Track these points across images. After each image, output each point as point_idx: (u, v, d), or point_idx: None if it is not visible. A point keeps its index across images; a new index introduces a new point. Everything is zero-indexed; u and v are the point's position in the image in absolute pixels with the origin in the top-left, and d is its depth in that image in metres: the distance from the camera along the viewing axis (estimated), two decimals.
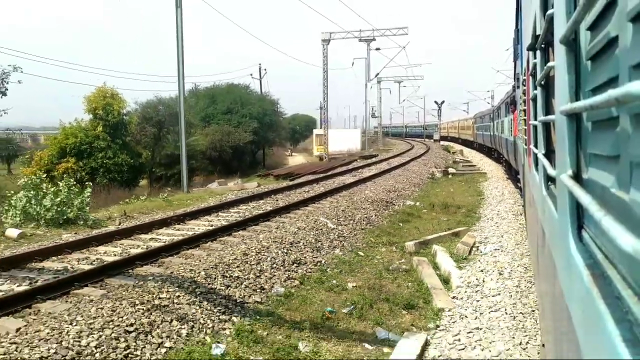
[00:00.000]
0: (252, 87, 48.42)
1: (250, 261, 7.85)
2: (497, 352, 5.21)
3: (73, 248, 8.30)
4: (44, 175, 12.86)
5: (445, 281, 7.94)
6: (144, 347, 5.08)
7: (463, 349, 5.47)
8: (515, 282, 7.34)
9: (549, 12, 2.06)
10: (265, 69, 50.07)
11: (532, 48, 3.31)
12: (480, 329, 5.91)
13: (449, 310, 6.66)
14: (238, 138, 39.05)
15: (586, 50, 1.43)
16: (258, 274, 7.50)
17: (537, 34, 2.88)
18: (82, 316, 5.37)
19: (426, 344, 5.63)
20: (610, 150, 1.15)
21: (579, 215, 1.49)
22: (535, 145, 3.45)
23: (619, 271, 1.04)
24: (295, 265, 8.26)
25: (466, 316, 6.37)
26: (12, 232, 10.27)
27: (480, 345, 5.47)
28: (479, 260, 8.83)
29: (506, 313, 6.24)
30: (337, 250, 9.64)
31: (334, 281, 7.89)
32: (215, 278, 7.01)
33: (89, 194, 12.22)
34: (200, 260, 7.69)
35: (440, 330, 6.10)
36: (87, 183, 13.22)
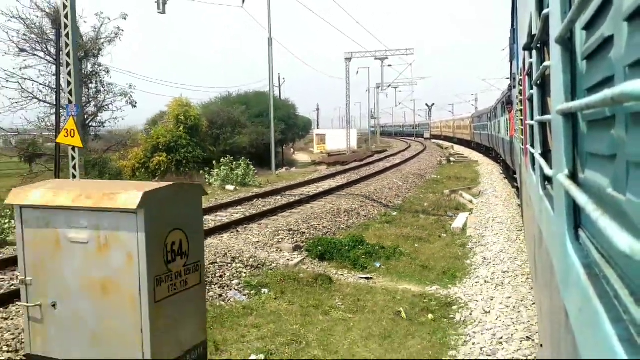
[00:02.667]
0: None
1: (379, 193, 16.81)
2: (498, 212, 14.22)
3: (291, 189, 17.17)
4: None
5: (470, 202, 16.97)
6: (366, 210, 13.99)
7: (485, 214, 14.43)
8: (503, 199, 16.46)
9: (545, 11, 2.08)
10: (284, 78, 58.72)
11: (528, 48, 3.33)
12: (490, 210, 14.93)
13: (474, 209, 15.67)
14: (270, 137, 47.77)
15: (582, 50, 1.42)
16: (385, 197, 16.46)
17: (533, 33, 2.90)
18: (338, 203, 14.23)
19: (469, 215, 14.64)
20: (606, 150, 1.16)
21: (576, 215, 1.51)
22: (532, 145, 3.48)
23: (616, 271, 1.04)
24: (397, 196, 17.24)
25: (482, 209, 15.38)
26: (230, 187, 19.03)
27: (490, 213, 14.46)
28: (484, 196, 17.91)
29: (501, 206, 15.31)
30: (410, 193, 18.62)
31: (417, 203, 16.86)
32: (371, 196, 15.96)
33: (253, 169, 21.03)
34: (357, 192, 16.63)
35: (473, 213, 15.10)
36: (248, 162, 21.84)
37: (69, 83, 13.53)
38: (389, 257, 9.59)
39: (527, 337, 5.63)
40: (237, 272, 7.84)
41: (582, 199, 1.08)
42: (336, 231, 11.34)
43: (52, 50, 28.82)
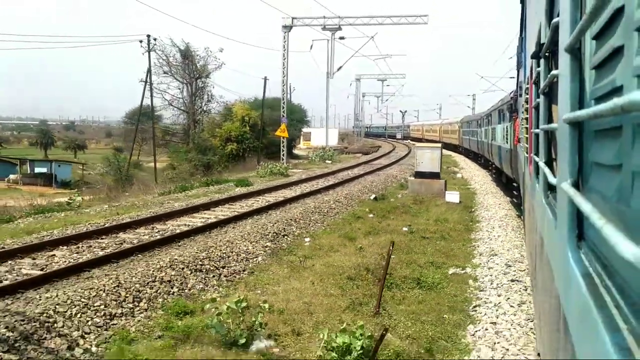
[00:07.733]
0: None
1: (413, 166, 33.56)
2: (474, 172, 31.19)
3: (366, 163, 33.54)
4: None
5: (458, 170, 34.02)
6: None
7: (469, 173, 31.36)
8: (476, 169, 33.67)
9: (555, 20, 2.15)
10: (294, 87, 74.69)
11: (536, 56, 3.42)
12: (470, 172, 32.00)
13: (463, 172, 32.70)
14: (293, 134, 63.67)
15: (591, 59, 1.46)
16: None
17: (542, 42, 3.00)
18: (404, 168, 30.77)
19: (461, 174, 31.73)
20: (612, 160, 1.18)
21: (579, 223, 1.53)
22: (537, 154, 3.55)
23: (617, 280, 1.07)
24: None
25: (466, 172, 32.39)
26: (328, 162, 35.30)
27: (470, 173, 31.41)
28: (464, 168, 35.02)
29: (475, 170, 32.42)
30: None
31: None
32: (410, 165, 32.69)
33: (334, 152, 37.41)
34: (406, 163, 33.17)
35: (463, 172, 32.10)
36: (330, 148, 37.81)
37: (282, 107, 29.39)
38: None
39: (494, 194, 22.60)
40: (400, 179, 24.27)
41: (586, 207, 1.08)
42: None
43: (176, 72, 43.94)
